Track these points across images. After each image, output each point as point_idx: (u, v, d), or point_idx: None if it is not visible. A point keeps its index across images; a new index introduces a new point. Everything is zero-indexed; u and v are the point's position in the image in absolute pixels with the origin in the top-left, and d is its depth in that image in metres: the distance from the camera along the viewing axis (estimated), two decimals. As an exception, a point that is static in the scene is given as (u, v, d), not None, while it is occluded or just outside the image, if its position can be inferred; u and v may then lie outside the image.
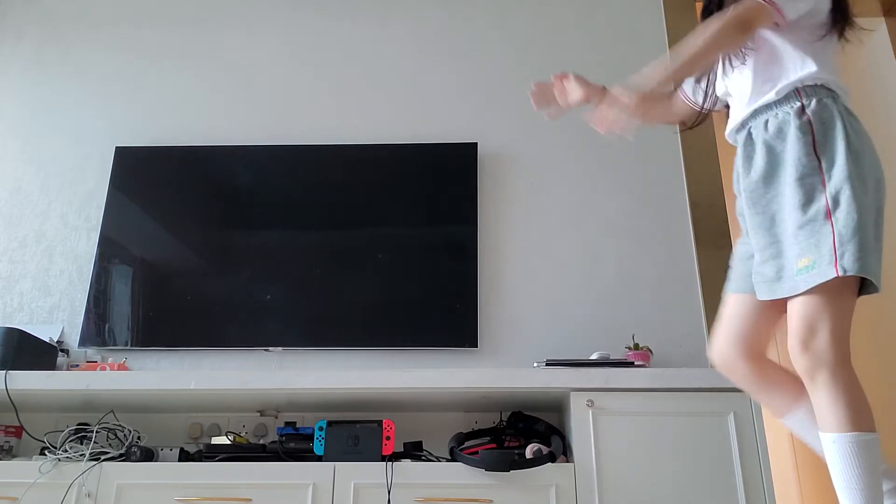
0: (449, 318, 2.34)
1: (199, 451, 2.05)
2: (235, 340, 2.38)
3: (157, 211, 2.56)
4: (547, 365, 2.01)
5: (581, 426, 1.85)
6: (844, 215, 1.19)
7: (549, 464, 1.81)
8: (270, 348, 2.37)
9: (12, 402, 2.05)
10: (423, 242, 2.45)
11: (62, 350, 2.37)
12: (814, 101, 1.28)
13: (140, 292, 2.46)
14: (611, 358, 2.09)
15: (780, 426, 4.27)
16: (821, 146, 1.24)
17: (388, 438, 1.91)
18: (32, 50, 2.98)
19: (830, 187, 1.21)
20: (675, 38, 2.72)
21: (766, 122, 1.33)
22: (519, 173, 2.58)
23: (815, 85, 1.30)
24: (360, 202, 2.52)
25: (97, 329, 2.41)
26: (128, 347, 2.39)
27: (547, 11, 2.84)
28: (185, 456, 2.01)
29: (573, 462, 1.82)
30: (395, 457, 1.89)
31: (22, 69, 2.95)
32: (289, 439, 2.00)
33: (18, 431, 2.17)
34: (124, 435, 2.08)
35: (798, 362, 1.24)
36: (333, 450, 1.91)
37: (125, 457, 1.94)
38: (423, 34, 2.85)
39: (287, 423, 2.10)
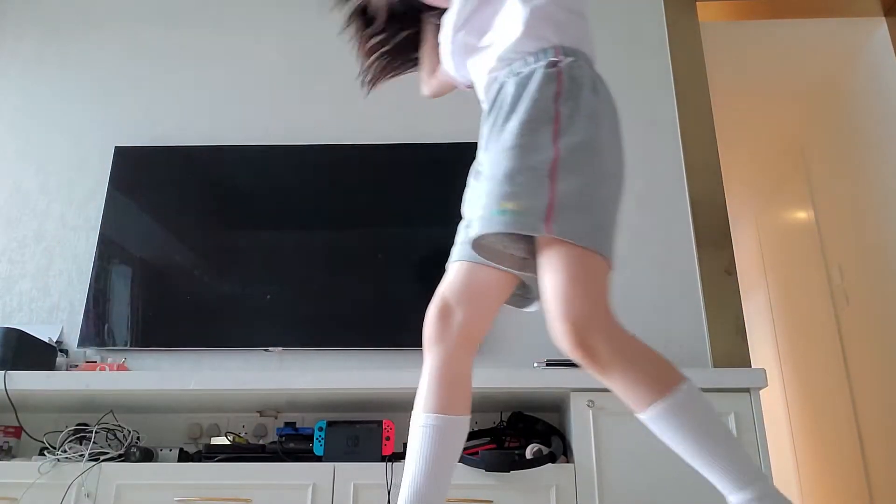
0: (449, 319, 2.33)
1: (199, 452, 2.04)
2: (235, 340, 2.37)
3: (157, 211, 2.55)
4: (547, 365, 2.01)
5: (581, 426, 1.85)
6: (574, 175, 1.06)
7: (549, 464, 1.81)
8: (270, 348, 2.37)
9: (11, 403, 2.05)
10: (422, 242, 2.45)
11: (61, 350, 2.36)
12: (569, 59, 1.18)
13: (140, 292, 2.45)
14: (611, 358, 2.08)
15: (780, 426, 4.28)
16: (564, 98, 1.12)
17: (388, 438, 1.91)
18: (32, 50, 2.98)
19: (564, 142, 1.08)
20: (675, 38, 2.72)
21: (518, 72, 1.21)
22: (519, 173, 2.58)
23: (573, 47, 1.22)
24: (359, 202, 2.52)
25: (96, 329, 2.41)
26: (127, 347, 2.39)
27: (547, 11, 2.84)
28: (184, 456, 2.01)
29: (573, 462, 1.82)
30: (395, 457, 1.89)
31: (22, 69, 2.95)
32: (288, 439, 2.00)
33: (18, 432, 2.17)
34: (123, 435, 2.08)
35: (567, 344, 1.04)
36: (333, 450, 1.90)
37: (124, 457, 1.94)
38: (422, 34, 2.84)
39: (287, 424, 2.10)
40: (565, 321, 1.03)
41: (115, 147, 2.67)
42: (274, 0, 2.96)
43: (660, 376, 1.06)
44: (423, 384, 1.20)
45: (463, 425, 1.18)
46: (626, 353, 1.07)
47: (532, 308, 1.34)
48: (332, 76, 2.79)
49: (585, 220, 1.05)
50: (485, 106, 1.33)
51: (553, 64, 1.17)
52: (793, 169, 3.85)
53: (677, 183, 2.51)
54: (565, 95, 1.13)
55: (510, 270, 1.21)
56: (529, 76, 1.17)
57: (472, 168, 1.38)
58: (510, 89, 1.19)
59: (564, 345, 1.05)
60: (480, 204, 1.11)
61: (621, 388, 1.08)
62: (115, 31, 2.97)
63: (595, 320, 1.04)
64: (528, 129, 1.10)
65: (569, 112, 1.11)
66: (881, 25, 2.90)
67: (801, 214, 3.79)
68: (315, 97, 2.77)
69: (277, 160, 2.61)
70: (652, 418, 1.05)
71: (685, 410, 1.03)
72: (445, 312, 1.24)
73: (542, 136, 1.09)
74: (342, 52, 2.85)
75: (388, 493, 1.80)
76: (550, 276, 1.06)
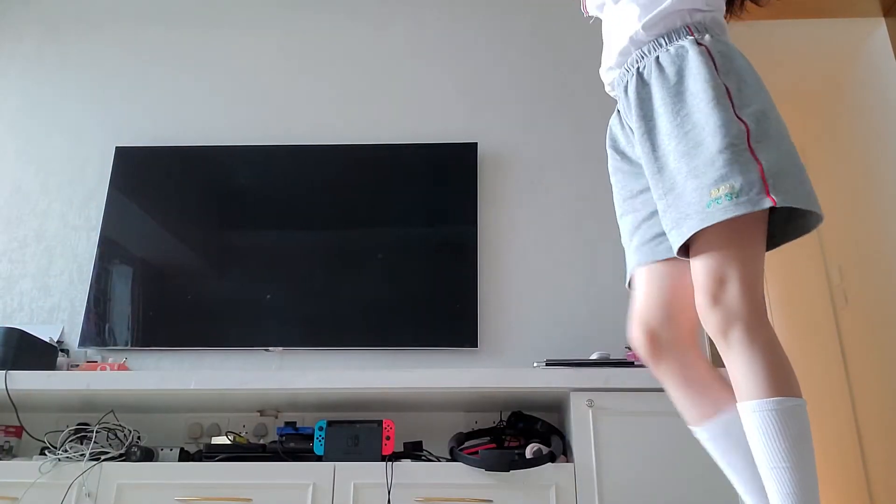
0: (449, 318, 2.34)
1: (199, 451, 2.05)
2: (235, 340, 2.38)
3: (157, 211, 2.56)
4: (547, 365, 2.01)
5: (581, 426, 1.85)
6: (770, 142, 1.08)
7: (549, 464, 1.81)
8: (270, 348, 2.37)
9: (12, 402, 2.05)
10: (423, 242, 2.45)
11: (62, 350, 2.37)
12: (707, 35, 1.19)
13: (140, 292, 2.46)
14: (611, 358, 2.09)
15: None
16: (724, 73, 1.12)
17: (388, 438, 1.91)
18: (32, 50, 2.98)
19: (746, 113, 1.09)
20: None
21: (658, 57, 1.20)
22: (519, 173, 2.59)
23: (705, 21, 1.21)
24: (360, 202, 2.52)
25: (97, 329, 2.41)
26: (128, 347, 2.40)
27: (546, 11, 2.84)
28: (185, 456, 2.01)
29: (573, 462, 1.82)
30: (395, 457, 1.90)
31: (22, 69, 2.95)
32: (289, 439, 2.00)
33: (18, 431, 2.17)
34: (124, 435, 2.08)
35: (708, 321, 1.08)
36: (333, 450, 1.91)
37: (125, 457, 1.94)
38: (423, 34, 2.85)
39: (287, 423, 2.10)
40: (714, 305, 1.06)
41: (116, 147, 2.68)
42: (274, 0, 2.96)
43: (778, 377, 1.05)
44: (677, 401, 1.22)
45: (733, 413, 1.15)
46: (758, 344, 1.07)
47: None
48: (332, 76, 2.80)
49: (797, 182, 1.07)
50: (615, 91, 1.32)
51: (697, 42, 1.17)
52: (793, 169, 3.84)
53: (677, 183, 2.51)
54: (723, 69, 1.14)
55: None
56: (679, 56, 1.17)
57: (612, 166, 1.37)
58: (655, 75, 1.19)
59: (708, 326, 1.08)
60: (682, 203, 1.10)
61: (731, 373, 1.08)
62: (116, 31, 2.97)
63: (740, 307, 1.06)
64: (711, 111, 1.09)
65: (735, 84, 1.12)
66: (881, 26, 2.90)
67: (801, 214, 3.78)
68: (315, 97, 2.77)
69: (277, 160, 2.61)
70: (750, 413, 1.04)
71: (786, 419, 1.02)
72: (651, 337, 1.23)
73: (724, 114, 1.09)
74: (342, 52, 2.86)
75: (388, 492, 1.80)
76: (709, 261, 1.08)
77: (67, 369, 2.22)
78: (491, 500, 1.78)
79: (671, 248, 1.16)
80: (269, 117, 2.75)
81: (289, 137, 2.68)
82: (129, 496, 1.85)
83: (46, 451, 1.94)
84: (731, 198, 1.04)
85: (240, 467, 1.87)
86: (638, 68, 1.23)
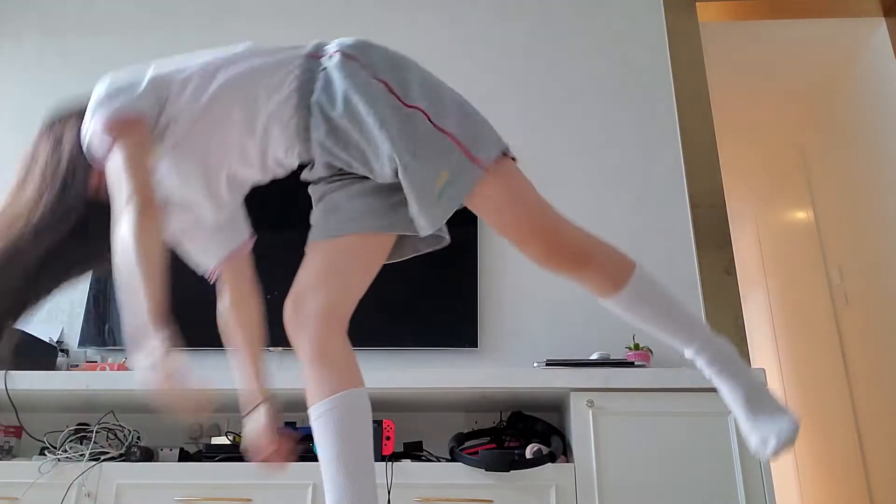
0: (449, 318, 2.33)
1: (199, 451, 2.05)
2: (235, 340, 2.37)
3: (157, 211, 2.55)
4: (547, 365, 2.01)
5: (581, 426, 1.85)
6: (448, 110, 1.17)
7: (549, 464, 1.81)
8: (270, 348, 2.37)
9: (12, 403, 2.05)
10: (423, 242, 2.45)
11: (62, 350, 2.36)
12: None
13: (140, 292, 2.45)
14: (611, 358, 2.09)
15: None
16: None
17: (388, 438, 1.91)
18: (32, 50, 2.98)
19: (412, 97, 1.18)
20: (675, 38, 2.72)
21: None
22: (519, 173, 2.58)
23: None
24: (360, 202, 2.52)
25: (97, 329, 2.41)
26: (128, 347, 2.39)
27: (547, 12, 2.84)
28: (185, 456, 2.01)
29: (573, 462, 1.83)
30: (395, 457, 1.90)
31: (22, 69, 2.95)
32: (289, 439, 2.00)
33: (18, 431, 2.17)
34: (124, 435, 2.08)
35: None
36: (333, 450, 1.90)
37: (125, 457, 1.94)
38: (422, 34, 2.85)
39: (287, 424, 2.10)
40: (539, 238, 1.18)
41: (116, 147, 2.67)
42: (273, 0, 2.96)
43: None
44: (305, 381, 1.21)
45: (355, 398, 1.18)
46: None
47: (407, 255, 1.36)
48: (333, 76, 2.80)
49: (488, 132, 1.23)
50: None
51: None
52: (793, 169, 3.85)
53: (677, 183, 2.52)
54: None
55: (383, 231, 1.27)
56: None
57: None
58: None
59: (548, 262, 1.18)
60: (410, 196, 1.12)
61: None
62: (116, 31, 2.97)
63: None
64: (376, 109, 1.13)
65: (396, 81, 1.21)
66: (881, 25, 2.90)
67: (801, 214, 3.79)
68: (315, 97, 2.77)
69: (278, 160, 2.60)
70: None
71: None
72: (298, 302, 1.29)
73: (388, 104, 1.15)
74: (342, 52, 2.86)
75: (388, 492, 1.80)
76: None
77: (67, 369, 2.22)
78: (491, 500, 1.78)
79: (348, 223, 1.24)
80: (269, 117, 2.75)
81: (289, 137, 2.68)
82: (129, 496, 1.85)
83: (46, 452, 1.94)
84: (448, 185, 1.09)
85: (240, 467, 1.87)
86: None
